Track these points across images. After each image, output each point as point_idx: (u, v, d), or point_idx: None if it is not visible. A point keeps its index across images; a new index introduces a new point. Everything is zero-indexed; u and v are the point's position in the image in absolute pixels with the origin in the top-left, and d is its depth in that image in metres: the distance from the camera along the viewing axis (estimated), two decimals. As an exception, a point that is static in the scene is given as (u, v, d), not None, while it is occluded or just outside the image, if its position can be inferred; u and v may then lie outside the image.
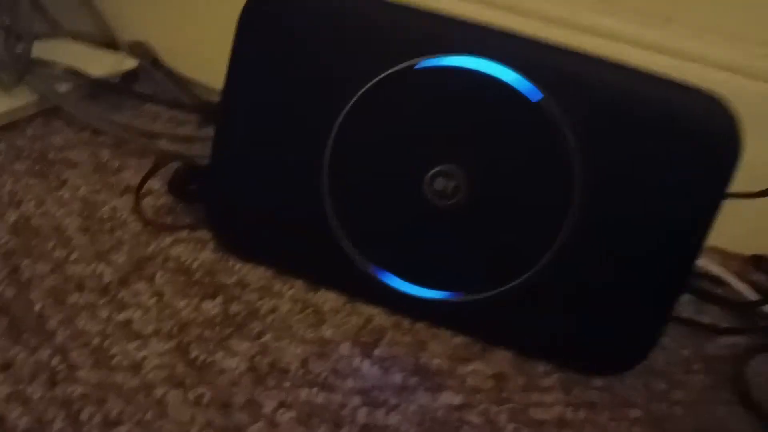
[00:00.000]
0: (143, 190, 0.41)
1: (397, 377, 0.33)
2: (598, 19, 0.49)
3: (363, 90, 0.33)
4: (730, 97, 0.48)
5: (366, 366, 0.33)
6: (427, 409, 0.31)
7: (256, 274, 0.37)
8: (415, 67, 0.33)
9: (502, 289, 0.34)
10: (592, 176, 0.32)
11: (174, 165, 0.41)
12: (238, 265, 0.37)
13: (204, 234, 0.39)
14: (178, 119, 0.52)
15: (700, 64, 0.48)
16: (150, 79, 0.57)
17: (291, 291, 0.36)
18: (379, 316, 0.36)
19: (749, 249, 0.53)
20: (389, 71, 0.33)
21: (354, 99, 0.33)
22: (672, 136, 0.31)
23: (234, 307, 0.34)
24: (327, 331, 0.34)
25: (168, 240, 0.38)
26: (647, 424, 0.33)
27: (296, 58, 0.34)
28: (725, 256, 0.52)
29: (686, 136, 0.31)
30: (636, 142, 0.31)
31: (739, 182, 0.49)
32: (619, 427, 0.32)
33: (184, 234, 0.39)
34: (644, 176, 0.32)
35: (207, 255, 0.37)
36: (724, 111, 0.31)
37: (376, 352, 0.34)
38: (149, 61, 0.59)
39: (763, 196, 0.47)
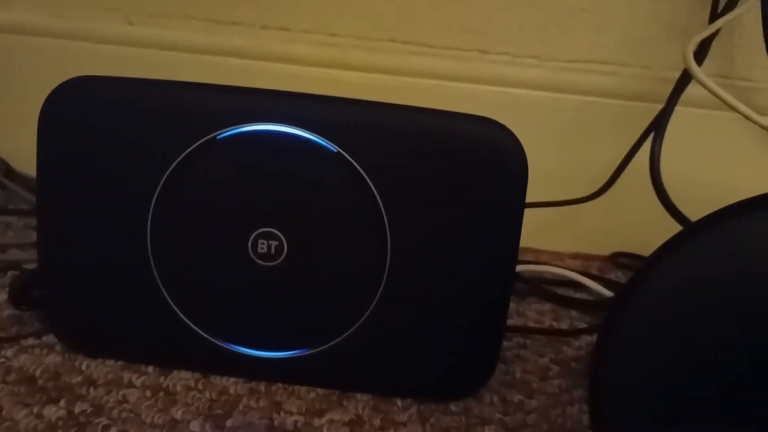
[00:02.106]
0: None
1: (250, 444, 0.33)
2: (412, 59, 0.52)
3: (170, 169, 0.34)
4: (549, 114, 0.52)
5: (217, 439, 0.32)
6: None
7: (105, 369, 0.36)
8: (218, 138, 0.34)
9: (343, 336, 0.35)
10: (399, 217, 0.33)
11: (13, 274, 0.40)
12: (85, 363, 0.37)
13: (51, 338, 0.38)
14: (32, 225, 0.51)
15: (515, 87, 0.51)
16: (5, 190, 0.57)
17: (142, 379, 0.36)
18: (235, 386, 0.36)
19: (610, 248, 0.55)
20: (192, 147, 0.34)
21: (163, 180, 0.34)
22: (465, 164, 0.33)
23: (79, 407, 0.34)
24: (177, 412, 0.34)
25: (11, 351, 0.37)
26: (502, 438, 0.34)
27: (102, 150, 0.34)
28: (587, 259, 0.54)
29: (478, 160, 0.33)
30: (432, 175, 0.33)
31: (577, 188, 0.52)
32: (474, 447, 0.33)
33: (29, 341, 0.38)
34: (448, 206, 0.33)
35: (53, 359, 0.37)
36: (505, 131, 0.33)
37: (229, 422, 0.33)
38: (2, 173, 0.59)
39: (598, 196, 0.50)
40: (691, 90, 0.48)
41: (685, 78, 0.48)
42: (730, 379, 0.27)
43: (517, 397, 0.37)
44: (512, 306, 0.44)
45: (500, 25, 0.51)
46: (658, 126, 0.47)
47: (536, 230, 0.51)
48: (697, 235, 0.29)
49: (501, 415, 0.35)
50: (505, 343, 0.41)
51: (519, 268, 0.48)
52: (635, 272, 0.29)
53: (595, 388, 0.29)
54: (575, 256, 0.54)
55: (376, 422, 0.34)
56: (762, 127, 0.43)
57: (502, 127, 0.33)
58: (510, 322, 0.42)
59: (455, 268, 0.34)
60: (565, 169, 0.53)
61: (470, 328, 0.34)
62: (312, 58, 0.53)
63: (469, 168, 0.33)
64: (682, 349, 0.28)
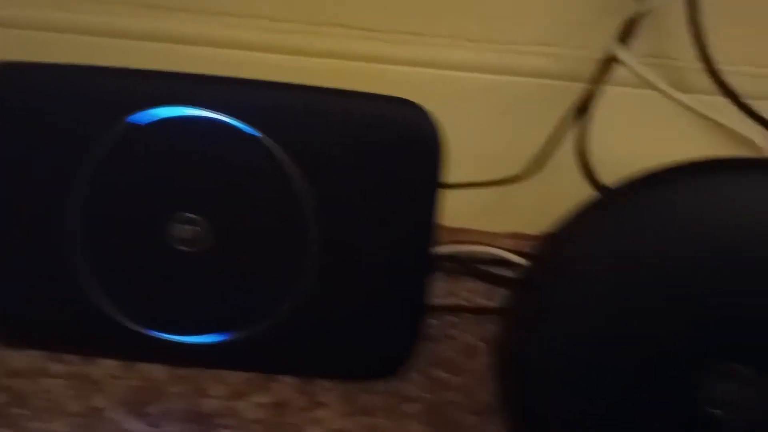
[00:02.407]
0: None
1: (172, 429, 0.33)
2: (350, 43, 0.52)
3: (88, 155, 0.34)
4: (486, 96, 0.52)
5: (137, 426, 0.32)
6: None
7: (27, 359, 0.36)
8: (136, 122, 0.33)
9: (268, 321, 0.35)
10: (319, 200, 0.33)
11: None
12: (6, 354, 0.36)
13: (-28, 330, 0.38)
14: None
15: (451, 69, 0.51)
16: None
17: (65, 368, 0.36)
18: (158, 372, 0.36)
19: (545, 227, 0.56)
20: (109, 132, 0.33)
21: (81, 166, 0.34)
22: (379, 144, 0.33)
23: (-2, 398, 0.33)
24: (99, 400, 0.34)
25: (-71, 346, 0.37)
26: (425, 415, 0.34)
27: (21, 136, 0.34)
28: (522, 238, 0.55)
29: (391, 140, 0.33)
30: (351, 159, 0.33)
31: (516, 170, 0.52)
32: (397, 425, 0.34)
33: (-50, 334, 0.37)
34: (366, 187, 0.33)
35: (-28, 350, 0.36)
36: (419, 110, 0.33)
37: (150, 409, 0.34)
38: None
39: (529, 176, 0.50)
40: (624, 69, 0.48)
41: (612, 57, 0.48)
42: (653, 355, 0.27)
43: (443, 376, 0.37)
44: (445, 286, 0.45)
45: (435, 8, 0.51)
46: (583, 106, 0.48)
47: (471, 211, 0.52)
48: (611, 204, 0.29)
49: (426, 394, 0.36)
50: (434, 322, 0.41)
51: (453, 248, 0.48)
52: (544, 245, 0.29)
53: (512, 368, 0.29)
54: (511, 235, 0.54)
55: (301, 403, 0.35)
56: (681, 104, 0.44)
57: (416, 107, 0.33)
58: (441, 301, 0.43)
59: (375, 250, 0.34)
60: (504, 150, 0.54)
61: (391, 308, 0.35)
62: (253, 43, 0.52)
63: (383, 148, 0.33)
64: (603, 324, 0.28)
